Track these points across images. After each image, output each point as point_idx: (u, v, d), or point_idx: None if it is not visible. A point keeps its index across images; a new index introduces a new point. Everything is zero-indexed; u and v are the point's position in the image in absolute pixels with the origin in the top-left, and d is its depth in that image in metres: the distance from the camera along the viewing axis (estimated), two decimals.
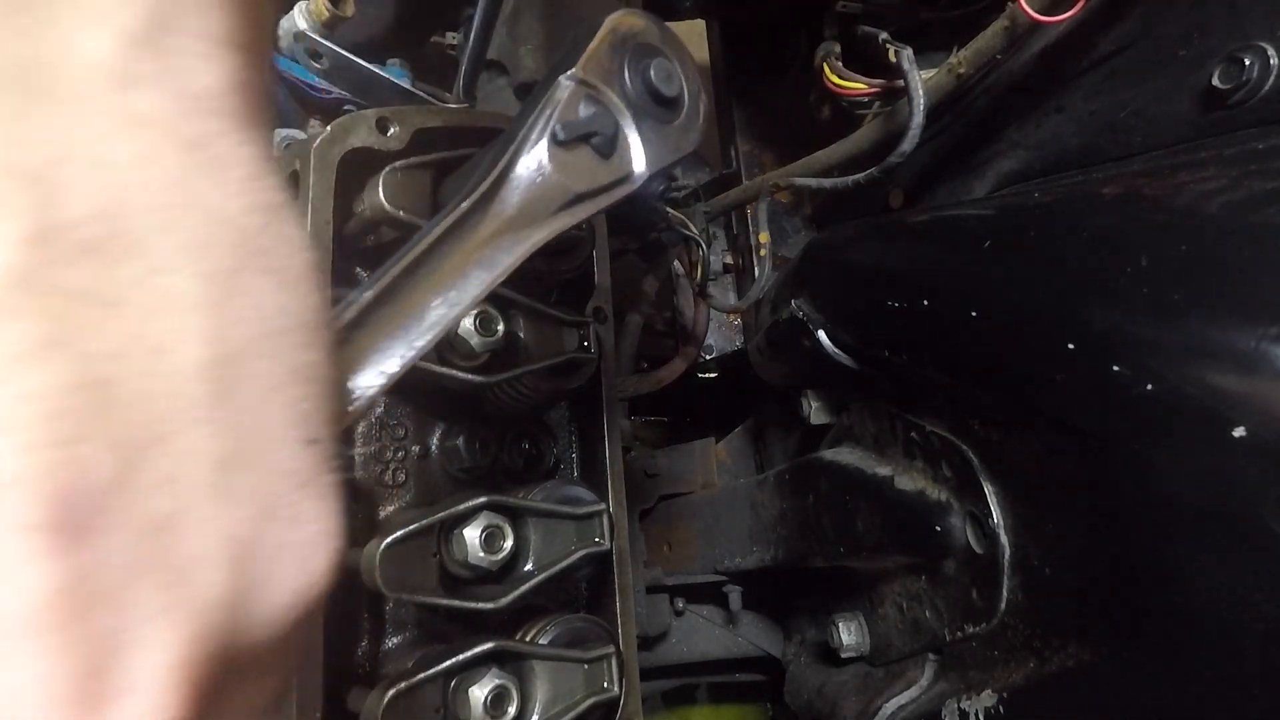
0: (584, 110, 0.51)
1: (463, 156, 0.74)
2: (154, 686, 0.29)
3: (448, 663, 0.67)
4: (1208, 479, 0.58)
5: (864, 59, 1.19)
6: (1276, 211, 0.61)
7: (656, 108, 0.53)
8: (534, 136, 0.51)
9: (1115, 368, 0.63)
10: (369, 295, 0.45)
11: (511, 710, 0.69)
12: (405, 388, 0.87)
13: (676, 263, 1.47)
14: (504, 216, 0.50)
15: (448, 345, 0.75)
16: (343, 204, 0.79)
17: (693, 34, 1.70)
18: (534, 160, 0.51)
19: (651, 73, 0.53)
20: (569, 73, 0.52)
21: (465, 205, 0.49)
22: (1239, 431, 0.56)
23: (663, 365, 1.43)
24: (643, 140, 0.53)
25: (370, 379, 0.43)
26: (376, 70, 1.16)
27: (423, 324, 0.45)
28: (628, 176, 0.53)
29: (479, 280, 0.48)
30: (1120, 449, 0.64)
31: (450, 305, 0.46)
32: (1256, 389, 0.56)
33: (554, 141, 0.51)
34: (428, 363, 0.73)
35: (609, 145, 0.52)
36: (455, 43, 1.36)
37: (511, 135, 0.51)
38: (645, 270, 1.42)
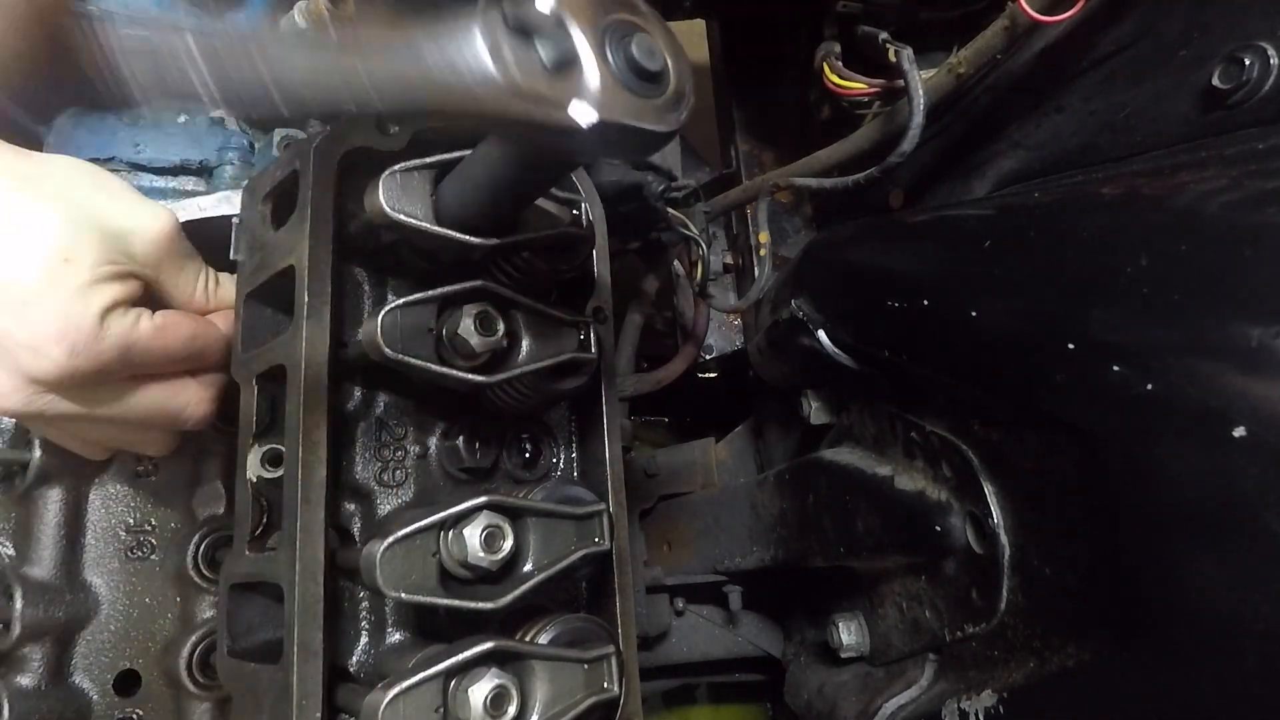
0: (547, 24, 0.47)
1: (463, 157, 0.74)
2: None
3: (448, 663, 0.67)
4: (1208, 479, 0.58)
5: (864, 59, 1.19)
6: (1276, 211, 0.61)
7: (638, 82, 0.50)
8: (479, 22, 0.47)
9: (1115, 368, 0.63)
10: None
11: (511, 710, 0.68)
12: (405, 387, 0.87)
13: (676, 263, 1.47)
14: (417, 63, 0.46)
15: (448, 345, 0.75)
16: (342, 204, 0.79)
17: (693, 34, 1.70)
18: (471, 39, 0.46)
19: (634, 46, 0.50)
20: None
21: (377, 33, 0.46)
22: (1239, 431, 0.56)
23: (663, 365, 1.43)
24: (605, 91, 0.48)
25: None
26: None
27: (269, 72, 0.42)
28: (569, 101, 0.47)
29: (359, 85, 0.44)
30: (1120, 449, 0.64)
31: (317, 74, 0.43)
32: (1256, 389, 0.56)
33: (502, 24, 0.46)
34: (427, 363, 0.73)
35: (561, 64, 0.47)
36: None
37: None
38: (645, 270, 1.42)
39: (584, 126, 0.48)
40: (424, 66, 0.47)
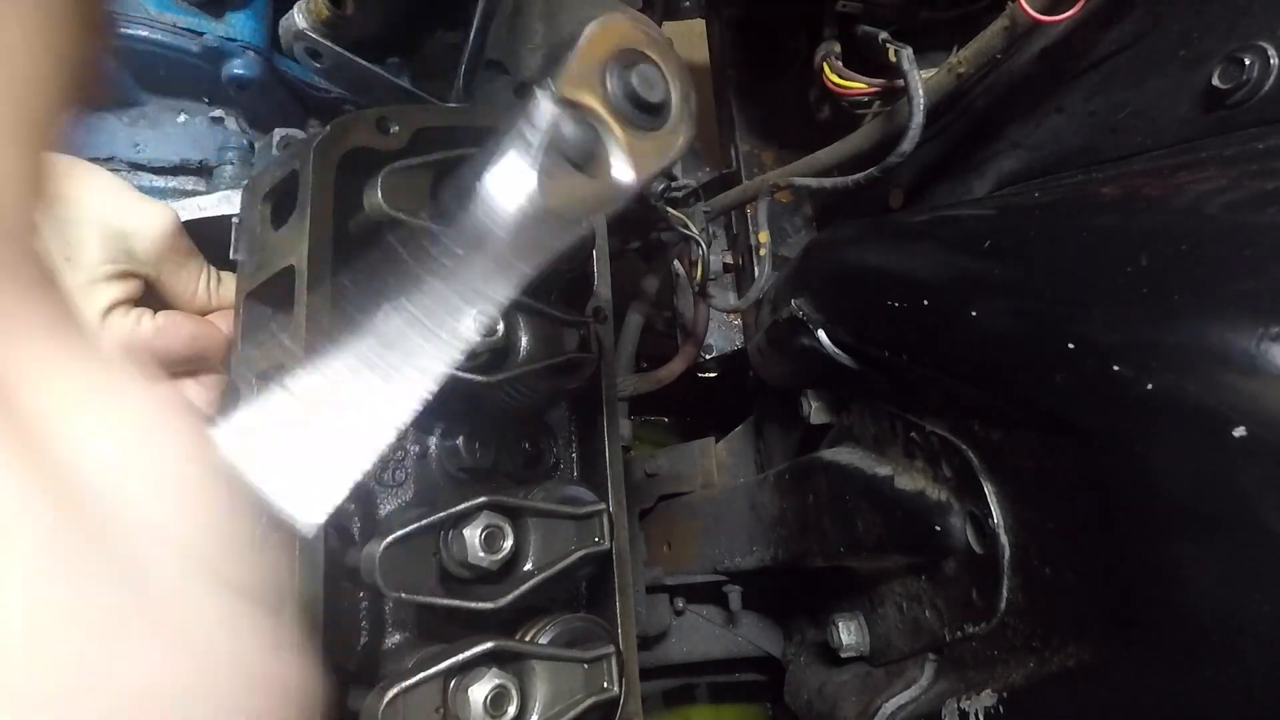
0: (567, 129, 0.49)
1: (462, 156, 0.74)
2: None
3: (447, 663, 0.67)
4: (1208, 479, 0.58)
5: (864, 59, 1.19)
6: (1276, 211, 0.61)
7: (640, 114, 0.51)
8: (514, 162, 0.49)
9: (1115, 368, 0.63)
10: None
11: (511, 710, 0.68)
12: None
13: (676, 263, 1.47)
14: (491, 254, 0.47)
15: None
16: (342, 204, 0.79)
17: (693, 34, 1.70)
18: (516, 190, 0.48)
19: (634, 79, 0.51)
20: (546, 91, 0.49)
21: (445, 258, 0.46)
22: (1239, 431, 0.56)
23: (663, 365, 1.43)
24: (628, 151, 0.51)
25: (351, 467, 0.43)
26: (376, 70, 1.16)
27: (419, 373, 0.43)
28: (615, 192, 0.51)
29: (475, 312, 0.45)
30: (1120, 449, 0.64)
31: (447, 346, 0.44)
32: (1256, 389, 0.56)
33: (534, 165, 0.49)
34: None
35: (593, 162, 0.50)
36: (455, 43, 1.36)
37: (487, 158, 0.49)
38: (645, 270, 1.42)
39: (623, 200, 0.51)
40: (508, 252, 0.48)
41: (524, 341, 0.79)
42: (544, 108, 0.49)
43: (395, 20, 1.26)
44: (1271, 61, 0.76)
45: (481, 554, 0.71)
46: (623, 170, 0.51)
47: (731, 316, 1.57)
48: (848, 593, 1.13)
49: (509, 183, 0.49)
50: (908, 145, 1.03)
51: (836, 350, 1.01)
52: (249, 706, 0.28)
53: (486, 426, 0.90)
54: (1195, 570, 0.60)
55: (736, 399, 1.60)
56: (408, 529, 0.69)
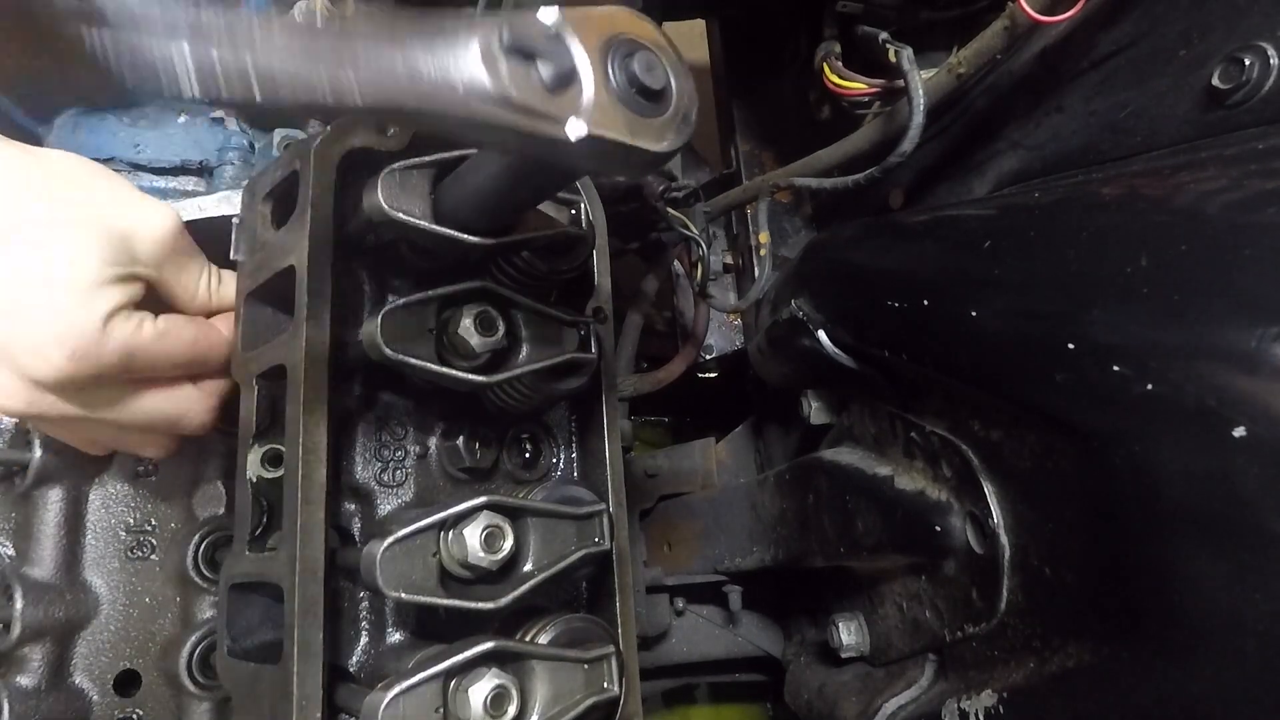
0: (546, 42, 0.47)
1: (462, 157, 0.74)
2: None
3: (448, 663, 0.67)
4: (1208, 479, 0.58)
5: (864, 59, 1.19)
6: (1276, 211, 0.61)
7: (638, 99, 0.50)
8: (477, 35, 0.45)
9: (1115, 368, 0.63)
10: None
11: (511, 710, 0.68)
12: (405, 387, 0.87)
13: (676, 263, 1.47)
14: (406, 64, 0.45)
15: (448, 345, 0.75)
16: (342, 204, 0.79)
17: (693, 34, 1.70)
18: (467, 49, 0.45)
19: (636, 65, 0.50)
20: (551, 8, 0.47)
21: (367, 29, 0.44)
22: (1239, 431, 0.56)
23: (663, 365, 1.43)
24: (601, 108, 0.48)
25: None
26: None
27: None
28: (566, 117, 0.47)
29: (341, 79, 0.43)
30: (1120, 449, 0.64)
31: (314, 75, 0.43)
32: (1256, 389, 0.56)
33: (499, 42, 0.46)
34: (427, 363, 0.74)
35: (560, 81, 0.47)
36: None
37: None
38: (645, 270, 1.42)
39: (573, 140, 0.47)
40: (413, 68, 0.45)
41: (524, 341, 0.79)
42: (538, 15, 0.47)
43: None
44: (1271, 61, 0.76)
45: (481, 554, 0.71)
46: (584, 111, 0.47)
47: (731, 316, 1.58)
48: (848, 593, 1.13)
49: (466, 48, 0.46)
50: (908, 145, 1.03)
51: (836, 350, 1.01)
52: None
53: (486, 426, 0.90)
54: (1195, 570, 0.60)
55: (736, 399, 1.60)
56: (408, 529, 0.69)
